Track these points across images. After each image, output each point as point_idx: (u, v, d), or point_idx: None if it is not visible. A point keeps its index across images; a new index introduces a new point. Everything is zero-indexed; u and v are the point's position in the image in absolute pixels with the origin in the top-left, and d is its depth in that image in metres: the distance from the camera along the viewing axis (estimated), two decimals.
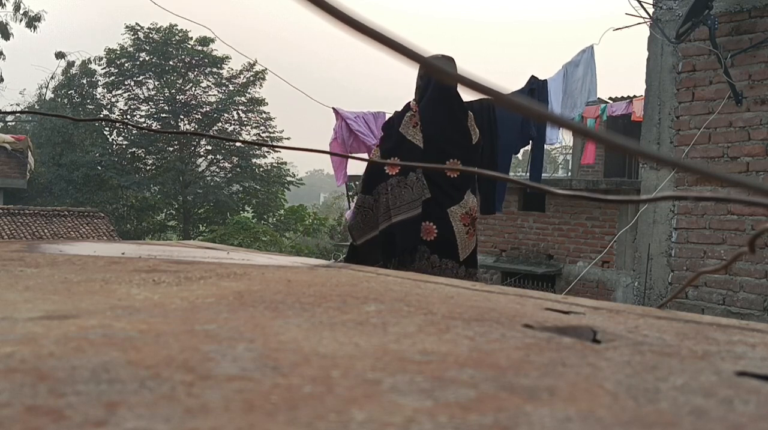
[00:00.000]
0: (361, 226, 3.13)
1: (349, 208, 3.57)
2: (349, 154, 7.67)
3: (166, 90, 30.98)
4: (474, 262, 3.15)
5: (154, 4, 5.52)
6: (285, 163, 33.10)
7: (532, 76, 6.93)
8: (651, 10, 5.87)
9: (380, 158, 3.14)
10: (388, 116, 3.39)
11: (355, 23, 0.44)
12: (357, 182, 20.95)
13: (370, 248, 3.11)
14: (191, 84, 31.25)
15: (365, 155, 7.45)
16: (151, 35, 30.56)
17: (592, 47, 7.59)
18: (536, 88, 6.72)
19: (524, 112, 0.52)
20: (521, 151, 7.10)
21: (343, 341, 0.60)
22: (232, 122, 31.86)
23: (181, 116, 31.12)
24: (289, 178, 32.66)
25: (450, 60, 3.16)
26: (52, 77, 30.02)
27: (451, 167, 3.14)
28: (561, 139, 10.31)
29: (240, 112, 31.85)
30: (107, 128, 29.67)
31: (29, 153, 21.47)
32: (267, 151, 31.48)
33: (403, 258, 3.05)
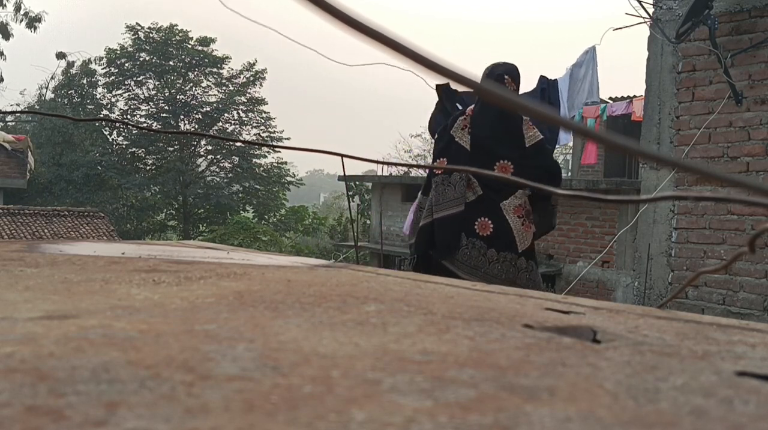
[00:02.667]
0: (417, 224, 3.31)
1: (350, 208, 3.60)
2: (349, 155, 7.65)
3: (166, 90, 30.99)
4: (533, 254, 3.22)
5: (224, 6, 5.51)
6: (285, 163, 33.12)
7: (542, 75, 6.92)
8: (651, 10, 5.88)
9: (433, 159, 3.34)
10: None
11: (354, 23, 0.44)
12: (357, 182, 20.95)
13: (416, 243, 3.26)
14: (191, 84, 31.27)
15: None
16: (151, 35, 30.57)
17: (594, 48, 7.60)
18: (547, 87, 6.72)
19: (524, 113, 0.52)
20: None
21: (343, 341, 0.60)
22: (232, 122, 31.88)
23: (182, 116, 31.13)
24: (289, 178, 32.67)
25: (512, 67, 3.31)
26: (52, 77, 30.05)
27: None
28: (568, 140, 10.32)
29: (240, 112, 31.87)
30: (107, 128, 29.69)
31: (29, 153, 21.48)
32: (267, 151, 31.50)
33: (443, 251, 3.16)
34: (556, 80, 7.00)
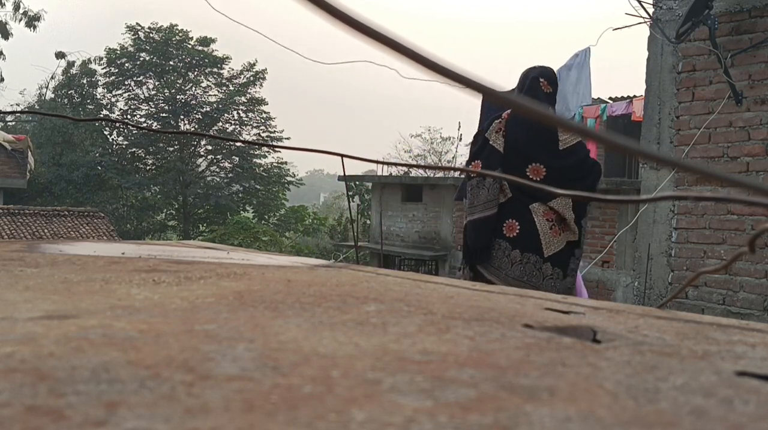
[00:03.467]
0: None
1: (350, 208, 3.63)
2: (349, 155, 7.65)
3: (166, 90, 30.99)
4: (564, 263, 3.17)
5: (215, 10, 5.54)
6: (285, 163, 33.13)
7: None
8: (651, 10, 5.87)
9: (468, 161, 3.40)
10: None
11: (354, 23, 0.44)
12: (357, 182, 20.95)
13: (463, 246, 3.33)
14: (191, 84, 31.27)
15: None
16: (151, 35, 30.58)
17: (587, 50, 7.58)
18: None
19: (524, 112, 0.52)
20: None
21: (343, 341, 0.60)
22: (233, 122, 31.89)
23: (182, 116, 31.13)
24: (289, 178, 32.68)
25: (548, 70, 3.37)
26: (52, 77, 30.05)
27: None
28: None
29: (240, 112, 31.87)
30: (107, 128, 29.70)
31: (29, 153, 21.47)
32: (267, 151, 31.51)
33: (480, 255, 3.20)
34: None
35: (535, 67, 3.38)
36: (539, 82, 3.30)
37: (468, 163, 3.41)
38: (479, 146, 3.29)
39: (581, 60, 7.46)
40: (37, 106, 29.39)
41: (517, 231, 3.13)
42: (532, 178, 3.14)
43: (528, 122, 3.18)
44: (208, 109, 31.27)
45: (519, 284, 3.02)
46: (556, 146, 3.23)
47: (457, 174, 12.28)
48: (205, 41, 31.08)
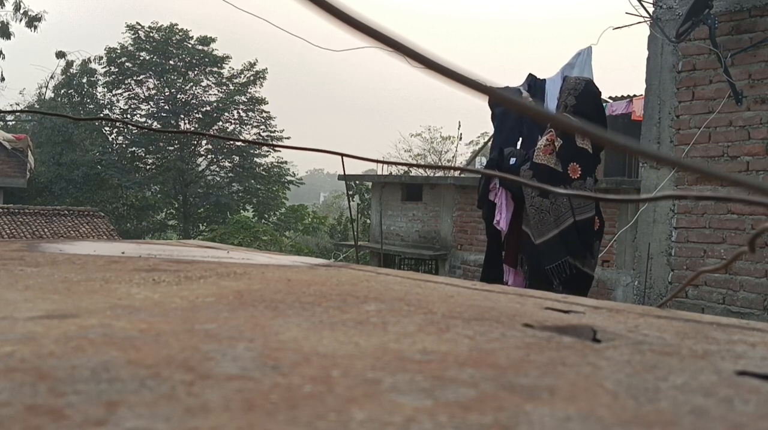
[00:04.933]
0: (539, 227, 3.64)
1: (350, 207, 3.66)
2: (349, 154, 7.64)
3: (166, 89, 30.96)
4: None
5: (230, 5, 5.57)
6: (285, 162, 33.10)
7: (530, 74, 6.92)
8: (651, 10, 5.87)
9: (558, 159, 3.65)
10: None
11: (354, 22, 0.44)
12: (357, 181, 20.93)
13: (549, 247, 3.60)
14: (192, 83, 31.23)
15: None
16: (151, 34, 30.54)
17: (589, 49, 7.55)
18: (532, 86, 6.71)
19: (524, 112, 0.52)
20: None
21: (343, 341, 0.60)
22: (233, 122, 31.86)
23: (182, 116, 31.11)
24: (289, 178, 32.65)
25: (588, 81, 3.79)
26: (51, 77, 30.00)
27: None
28: None
29: (240, 111, 31.83)
30: (107, 128, 29.65)
31: (29, 152, 21.46)
32: (267, 151, 31.48)
33: (580, 251, 3.55)
34: (544, 80, 7.00)
35: (589, 82, 3.78)
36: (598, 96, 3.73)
37: (564, 163, 3.63)
38: (571, 149, 3.57)
39: (583, 59, 7.43)
40: (36, 106, 29.35)
41: (599, 224, 3.60)
42: (571, 176, 3.53)
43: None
44: (208, 108, 31.23)
45: (594, 267, 3.58)
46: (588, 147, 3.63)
47: (457, 173, 12.27)
48: (205, 40, 31.04)
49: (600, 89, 3.76)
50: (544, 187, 2.03)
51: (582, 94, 3.63)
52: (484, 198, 4.04)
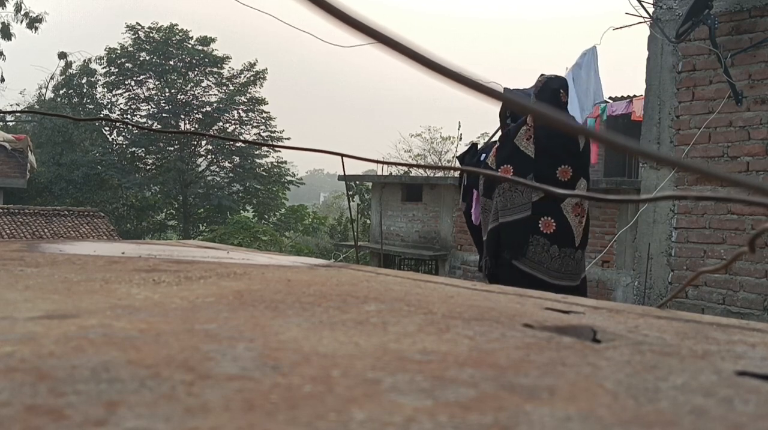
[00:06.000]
0: (484, 226, 3.67)
1: (350, 208, 3.70)
2: (349, 154, 7.64)
3: (166, 90, 30.96)
4: (584, 244, 3.64)
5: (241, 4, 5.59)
6: (285, 162, 33.10)
7: (542, 74, 6.90)
8: (651, 10, 5.87)
9: (495, 166, 3.65)
10: None
11: (354, 22, 0.44)
12: (357, 182, 20.93)
13: (487, 243, 3.62)
14: (192, 84, 31.24)
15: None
16: (151, 35, 30.55)
17: (594, 48, 7.56)
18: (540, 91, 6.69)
19: (524, 112, 0.52)
20: None
21: (343, 341, 0.60)
22: (233, 122, 31.86)
23: (182, 116, 31.11)
24: (289, 178, 32.66)
25: (565, 82, 3.77)
26: (51, 77, 30.01)
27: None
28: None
29: (240, 111, 31.84)
30: (107, 128, 29.65)
31: (29, 152, 21.46)
32: (267, 151, 31.49)
33: (513, 252, 3.51)
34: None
35: (553, 79, 3.74)
36: (560, 94, 3.63)
37: (497, 167, 3.63)
38: (509, 151, 3.57)
39: (589, 58, 7.44)
40: (37, 106, 29.35)
41: (554, 228, 3.48)
42: (561, 179, 3.52)
43: (553, 128, 3.46)
44: (208, 108, 31.24)
45: (558, 275, 3.46)
46: (578, 148, 3.58)
47: (457, 174, 12.26)
48: (205, 41, 31.05)
49: (563, 84, 3.72)
50: (543, 188, 2.02)
51: (541, 90, 3.68)
52: (468, 194, 4.06)
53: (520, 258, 3.48)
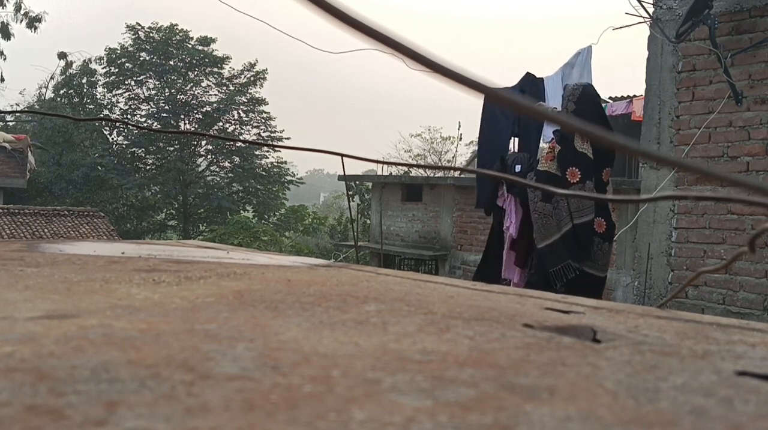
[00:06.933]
0: (542, 231, 3.80)
1: (350, 208, 3.71)
2: (349, 154, 7.63)
3: (166, 90, 30.96)
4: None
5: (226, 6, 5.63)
6: (285, 162, 33.09)
7: (527, 72, 6.91)
8: (651, 10, 5.87)
9: (558, 164, 3.80)
10: None
11: (353, 22, 0.44)
12: (357, 182, 20.92)
13: (551, 250, 3.78)
14: (192, 84, 31.23)
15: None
16: (151, 35, 30.55)
17: (589, 48, 7.55)
18: (527, 84, 6.72)
19: (524, 111, 0.52)
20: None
21: (343, 341, 0.60)
22: (233, 122, 31.85)
23: (182, 116, 31.11)
24: (289, 178, 32.64)
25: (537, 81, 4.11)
26: (51, 77, 30.00)
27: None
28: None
29: (240, 111, 31.83)
30: (107, 128, 29.65)
31: (29, 153, 21.45)
32: (267, 151, 31.48)
33: (580, 254, 3.72)
34: (542, 79, 7.01)
35: (588, 87, 3.99)
36: (600, 101, 3.90)
37: (563, 170, 3.78)
38: (571, 155, 3.73)
39: (583, 58, 7.43)
40: (36, 106, 29.34)
41: (605, 227, 3.73)
42: (605, 180, 3.73)
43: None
44: (208, 108, 31.23)
45: (599, 267, 3.72)
46: (613, 151, 3.77)
47: (457, 174, 12.26)
48: (206, 41, 31.05)
49: (598, 92, 3.94)
50: (549, 189, 2.03)
51: (580, 98, 3.82)
52: (492, 204, 4.22)
53: (584, 261, 3.70)
